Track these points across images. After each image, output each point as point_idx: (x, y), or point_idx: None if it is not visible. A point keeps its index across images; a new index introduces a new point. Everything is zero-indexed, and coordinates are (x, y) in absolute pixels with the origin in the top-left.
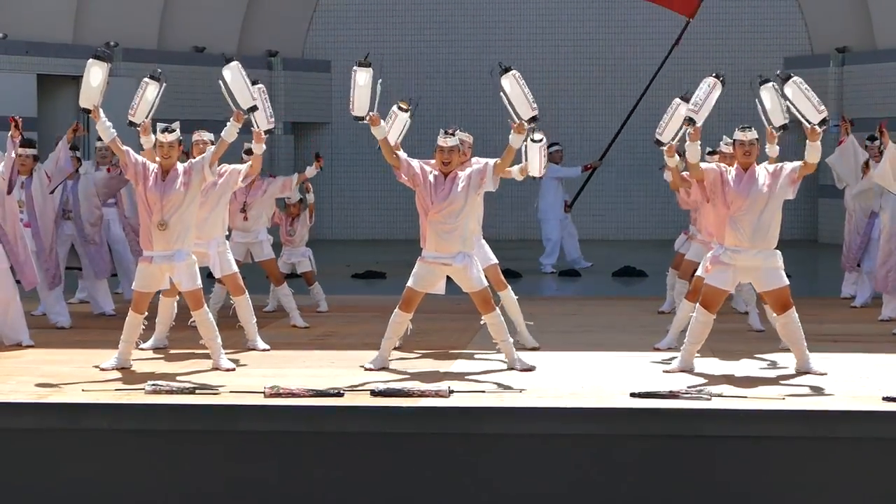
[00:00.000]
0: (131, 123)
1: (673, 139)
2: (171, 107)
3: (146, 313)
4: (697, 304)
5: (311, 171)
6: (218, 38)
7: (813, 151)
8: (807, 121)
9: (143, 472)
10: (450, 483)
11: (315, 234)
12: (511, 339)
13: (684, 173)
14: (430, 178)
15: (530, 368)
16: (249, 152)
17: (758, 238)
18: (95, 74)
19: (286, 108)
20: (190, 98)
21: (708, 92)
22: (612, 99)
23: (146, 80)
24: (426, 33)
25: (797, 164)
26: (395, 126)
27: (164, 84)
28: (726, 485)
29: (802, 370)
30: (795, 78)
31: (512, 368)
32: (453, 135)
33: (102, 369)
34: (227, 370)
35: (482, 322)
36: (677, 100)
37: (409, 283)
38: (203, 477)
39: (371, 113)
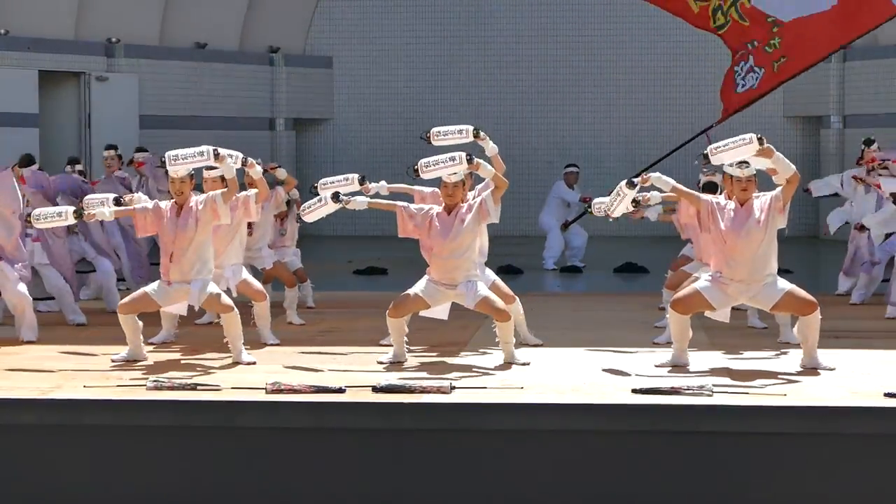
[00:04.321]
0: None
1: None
2: (173, 103)
3: (135, 315)
4: (669, 307)
5: (279, 172)
6: (220, 33)
7: (778, 165)
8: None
9: (144, 468)
10: (451, 479)
11: (317, 230)
12: (514, 340)
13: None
14: (435, 219)
15: (525, 363)
16: None
17: (755, 272)
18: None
19: (287, 104)
20: (192, 94)
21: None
22: (616, 106)
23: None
24: (429, 29)
25: (779, 190)
26: (320, 210)
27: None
28: (728, 481)
29: (810, 366)
30: (709, 152)
31: (510, 363)
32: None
33: (113, 360)
34: (249, 363)
35: (494, 326)
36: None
37: (415, 290)
38: (204, 473)
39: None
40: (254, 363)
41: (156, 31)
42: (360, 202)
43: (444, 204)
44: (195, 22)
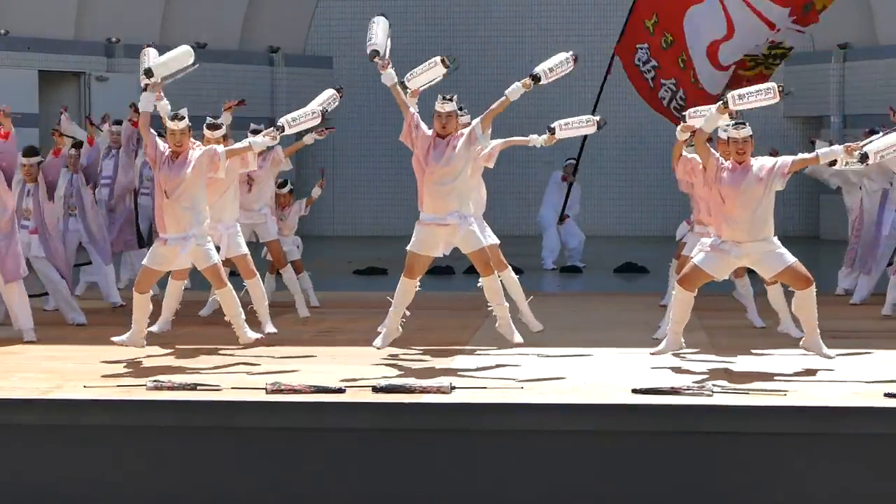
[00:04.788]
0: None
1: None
2: (173, 103)
3: (150, 292)
4: (676, 282)
5: (317, 191)
6: (220, 33)
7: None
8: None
9: (144, 468)
10: (451, 479)
11: (317, 230)
12: (507, 304)
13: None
14: (433, 141)
15: (520, 343)
16: (255, 132)
17: (755, 230)
18: (185, 56)
19: (288, 103)
20: (192, 94)
21: (756, 95)
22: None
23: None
24: (429, 28)
25: (790, 158)
26: (426, 74)
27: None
28: (728, 481)
29: (810, 348)
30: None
31: (507, 338)
32: (451, 100)
33: (113, 342)
34: (255, 340)
35: (479, 284)
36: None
37: (410, 247)
38: (204, 473)
39: (381, 60)
40: (258, 338)
41: (156, 31)
42: (390, 77)
43: (436, 132)
44: (195, 22)
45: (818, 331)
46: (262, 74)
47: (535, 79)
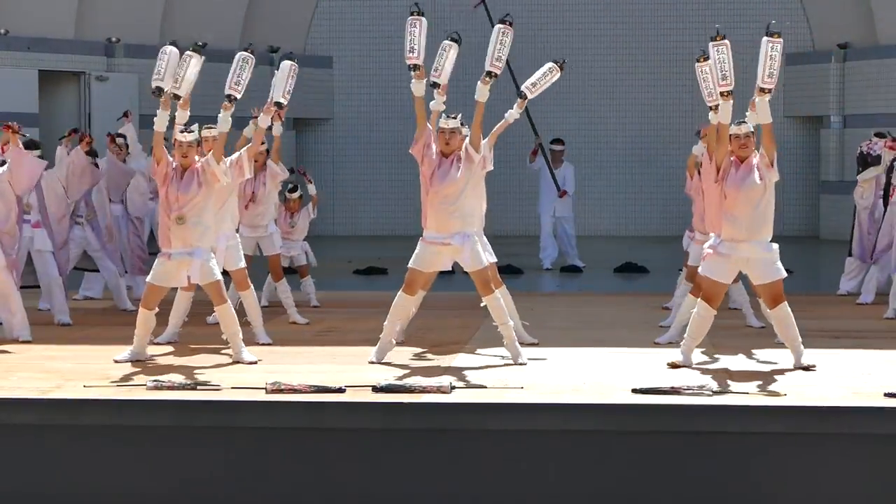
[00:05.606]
0: (175, 96)
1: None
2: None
3: (157, 309)
4: (699, 299)
5: (312, 188)
6: (220, 33)
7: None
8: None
9: (144, 468)
10: (451, 479)
11: (317, 230)
12: (512, 323)
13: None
14: (434, 157)
15: (523, 363)
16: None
17: (754, 229)
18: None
19: (288, 104)
20: (192, 94)
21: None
22: (615, 88)
23: (189, 52)
24: (429, 29)
25: (761, 149)
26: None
27: (204, 57)
28: (727, 481)
29: (799, 366)
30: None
31: (512, 359)
32: (455, 118)
33: (116, 361)
34: (250, 363)
35: (482, 304)
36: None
37: (411, 264)
38: (204, 473)
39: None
40: (255, 362)
41: (156, 31)
42: (421, 88)
43: (440, 150)
44: (195, 22)
45: (801, 347)
46: (262, 74)
47: (523, 96)
